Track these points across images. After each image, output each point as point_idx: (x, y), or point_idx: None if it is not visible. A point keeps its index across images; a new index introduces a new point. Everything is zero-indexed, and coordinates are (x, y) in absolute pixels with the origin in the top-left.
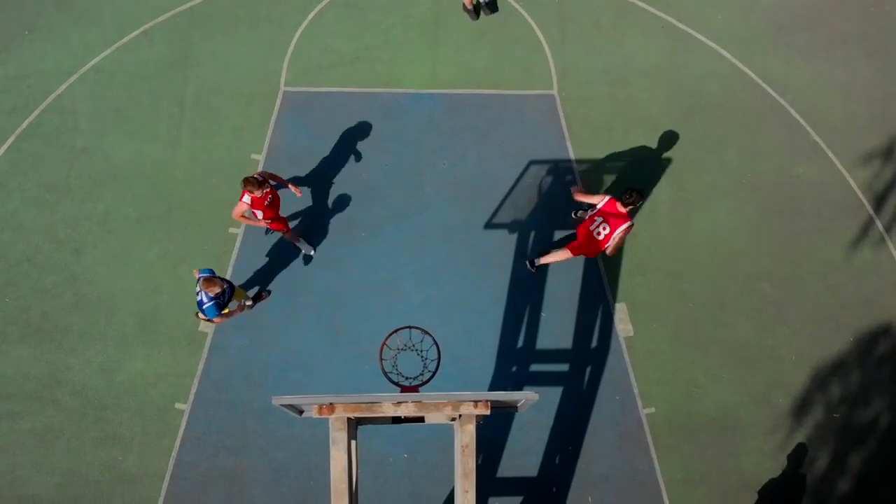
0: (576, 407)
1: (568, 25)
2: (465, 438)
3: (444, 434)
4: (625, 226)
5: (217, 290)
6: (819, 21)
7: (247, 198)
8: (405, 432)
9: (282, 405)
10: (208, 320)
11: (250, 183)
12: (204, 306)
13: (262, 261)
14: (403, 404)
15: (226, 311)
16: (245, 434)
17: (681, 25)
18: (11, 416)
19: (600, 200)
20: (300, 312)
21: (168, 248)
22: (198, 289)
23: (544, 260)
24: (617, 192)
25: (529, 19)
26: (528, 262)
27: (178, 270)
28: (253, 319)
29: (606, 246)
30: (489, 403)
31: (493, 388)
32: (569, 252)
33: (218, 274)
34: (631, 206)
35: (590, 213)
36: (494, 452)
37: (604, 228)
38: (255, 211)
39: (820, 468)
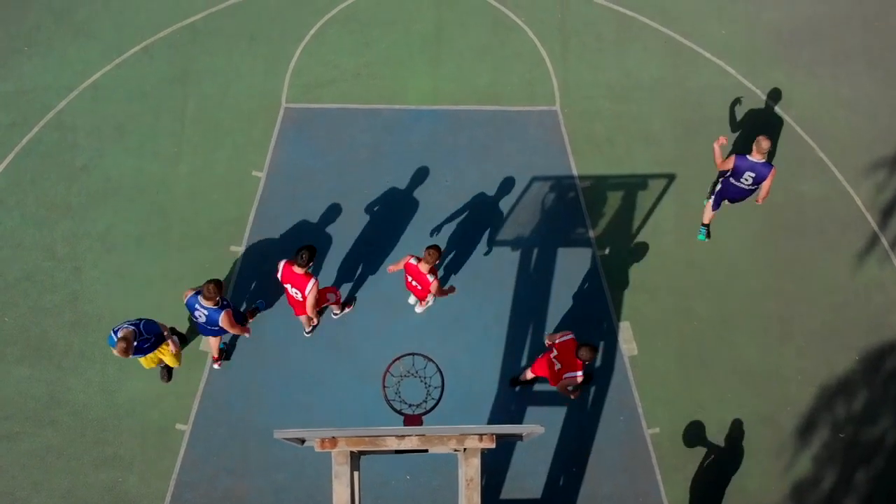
0: (579, 427)
1: (570, 41)
2: (471, 472)
3: (447, 457)
4: (573, 374)
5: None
6: (823, 36)
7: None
8: (407, 455)
9: (284, 438)
10: None
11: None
12: None
13: (263, 279)
14: (407, 438)
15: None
16: (246, 455)
17: (683, 40)
18: (11, 436)
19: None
20: (301, 331)
21: (169, 265)
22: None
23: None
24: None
25: (531, 34)
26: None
27: (179, 288)
28: (254, 339)
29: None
30: (494, 437)
31: (495, 407)
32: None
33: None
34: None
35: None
36: (497, 474)
37: (560, 363)
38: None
39: (825, 488)
